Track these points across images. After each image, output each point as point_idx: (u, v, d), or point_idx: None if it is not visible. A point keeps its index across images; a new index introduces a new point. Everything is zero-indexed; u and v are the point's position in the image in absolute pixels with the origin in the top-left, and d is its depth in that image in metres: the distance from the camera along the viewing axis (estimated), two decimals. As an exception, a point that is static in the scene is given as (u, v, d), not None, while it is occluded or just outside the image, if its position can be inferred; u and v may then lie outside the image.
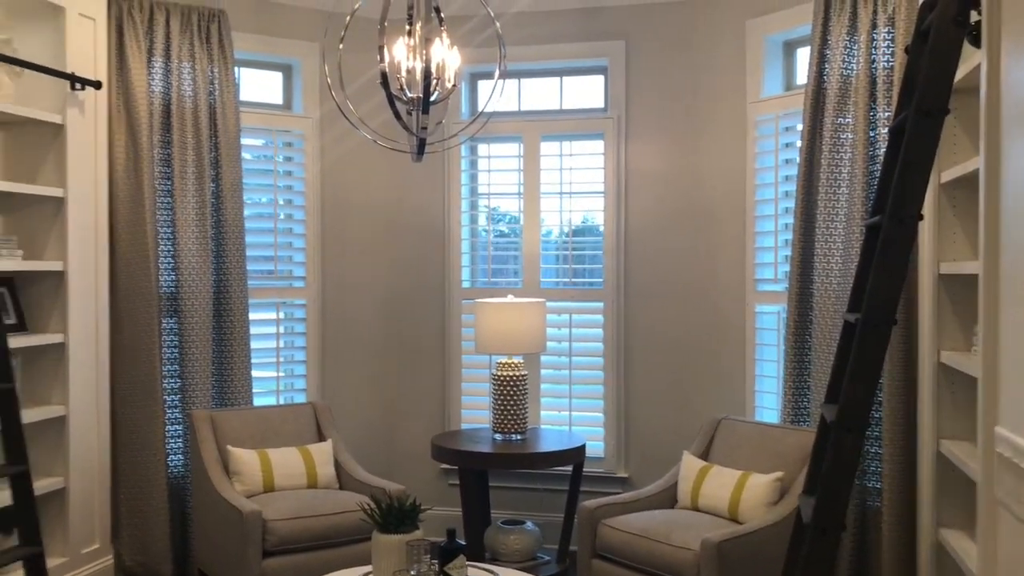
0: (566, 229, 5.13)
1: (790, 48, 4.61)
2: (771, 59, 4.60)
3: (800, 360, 4.12)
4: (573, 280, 5.09)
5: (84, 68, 4.02)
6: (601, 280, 5.00)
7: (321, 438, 4.52)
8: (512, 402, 4.52)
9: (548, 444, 4.53)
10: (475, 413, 5.11)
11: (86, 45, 4.06)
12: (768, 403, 4.52)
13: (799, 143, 4.18)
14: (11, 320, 3.85)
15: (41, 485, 3.72)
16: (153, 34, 4.41)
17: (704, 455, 4.17)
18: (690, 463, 4.08)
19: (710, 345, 4.79)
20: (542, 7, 4.91)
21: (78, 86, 3.97)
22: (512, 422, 4.53)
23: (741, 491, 3.80)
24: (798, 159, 4.16)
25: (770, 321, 4.56)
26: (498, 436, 4.55)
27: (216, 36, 4.57)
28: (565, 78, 5.14)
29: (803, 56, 4.51)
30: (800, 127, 4.20)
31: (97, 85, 4.07)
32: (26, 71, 3.82)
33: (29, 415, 3.67)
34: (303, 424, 4.55)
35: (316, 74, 4.94)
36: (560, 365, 5.06)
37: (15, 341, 3.59)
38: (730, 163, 4.69)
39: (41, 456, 3.83)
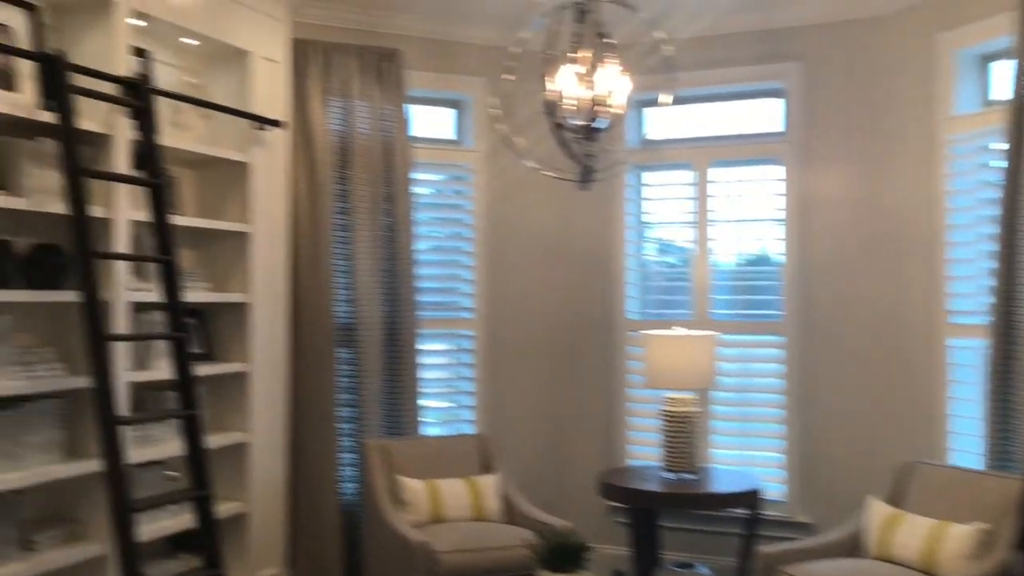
0: (739, 258, 4.94)
1: (984, 62, 4.26)
2: (964, 75, 4.26)
3: (1005, 399, 3.74)
4: (747, 312, 4.88)
5: (267, 109, 4.21)
6: (778, 312, 4.76)
7: (488, 470, 4.50)
8: (683, 439, 4.35)
9: (722, 484, 4.33)
10: (643, 449, 4.96)
11: (269, 87, 4.26)
12: (964, 446, 4.14)
13: (999, 163, 3.83)
14: (199, 349, 4.04)
15: (223, 509, 3.86)
16: (331, 74, 4.59)
17: (894, 501, 3.85)
18: (878, 509, 3.78)
19: (899, 382, 4.45)
20: (713, 31, 4.77)
21: (262, 126, 4.16)
22: (683, 460, 4.35)
23: (938, 542, 3.48)
24: (998, 180, 3.81)
25: (967, 356, 4.18)
26: (669, 474, 4.38)
27: (390, 75, 4.70)
28: (736, 102, 4.97)
29: (999, 70, 4.16)
30: (1000, 146, 3.85)
31: (279, 124, 4.26)
32: (215, 113, 4.04)
33: (213, 441, 3.83)
34: (470, 455, 4.55)
35: (486, 108, 4.99)
36: (733, 401, 4.84)
37: (202, 369, 3.76)
38: (920, 187, 4.37)
39: (224, 481, 3.98)
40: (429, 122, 5.11)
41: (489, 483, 4.36)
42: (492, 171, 5.10)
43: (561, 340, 5.20)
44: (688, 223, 4.96)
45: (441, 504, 4.22)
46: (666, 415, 4.41)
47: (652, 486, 4.30)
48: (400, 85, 4.73)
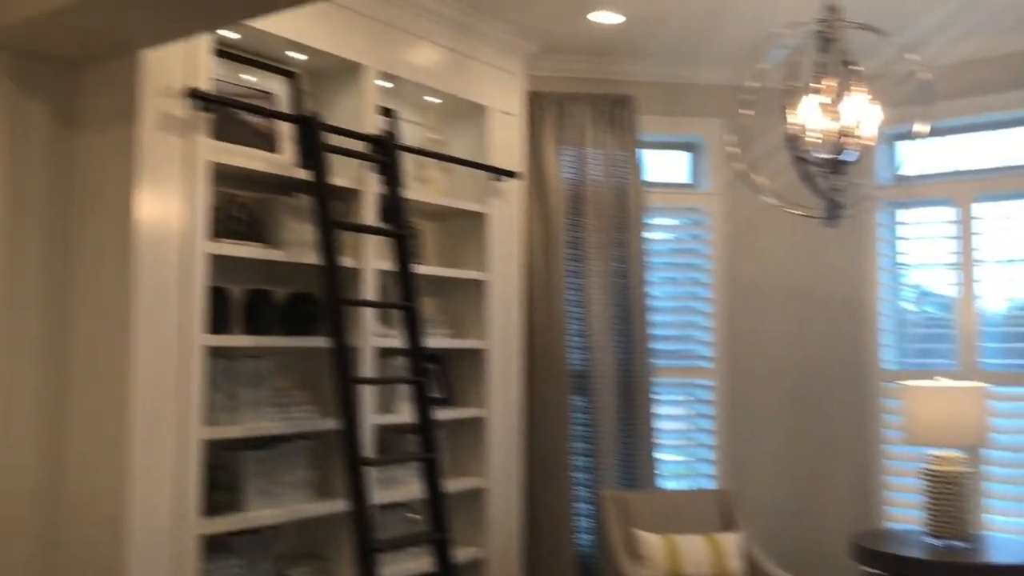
0: (1011, 303, 4.44)
1: None
2: None
3: None
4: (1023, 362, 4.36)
5: (504, 160, 4.31)
6: (1061, 361, 4.23)
7: (729, 527, 4.27)
8: (950, 502, 3.93)
9: (1001, 555, 3.85)
10: (902, 511, 4.53)
11: (505, 139, 4.36)
12: None
13: None
14: (439, 394, 4.14)
15: (462, 554, 3.89)
16: (564, 124, 4.64)
17: None
18: None
19: None
20: (974, 55, 4.37)
21: (499, 177, 4.26)
22: (951, 525, 3.92)
23: None
24: None
25: None
26: (934, 540, 3.96)
27: (623, 121, 4.69)
28: (1002, 131, 4.51)
29: None
30: None
31: (515, 175, 4.34)
32: (455, 166, 4.18)
33: (452, 485, 3.89)
34: (710, 511, 4.34)
35: (722, 149, 4.85)
36: (1011, 461, 4.32)
37: (442, 414, 3.85)
38: None
39: (462, 526, 4.03)
40: (663, 166, 5.04)
41: (731, 541, 4.13)
42: (729, 212, 4.93)
43: (807, 390, 4.88)
44: (950, 264, 4.53)
45: (679, 560, 4.04)
46: (930, 474, 4.00)
47: (915, 552, 3.89)
48: (632, 130, 4.70)
